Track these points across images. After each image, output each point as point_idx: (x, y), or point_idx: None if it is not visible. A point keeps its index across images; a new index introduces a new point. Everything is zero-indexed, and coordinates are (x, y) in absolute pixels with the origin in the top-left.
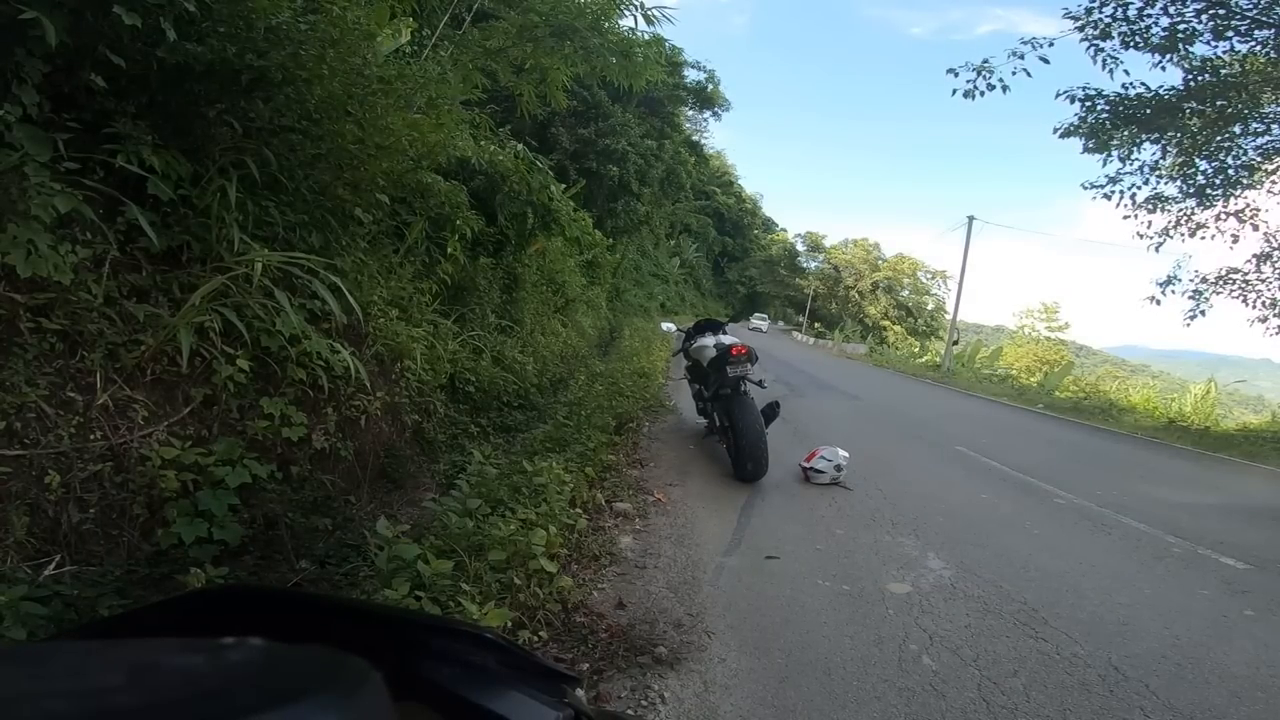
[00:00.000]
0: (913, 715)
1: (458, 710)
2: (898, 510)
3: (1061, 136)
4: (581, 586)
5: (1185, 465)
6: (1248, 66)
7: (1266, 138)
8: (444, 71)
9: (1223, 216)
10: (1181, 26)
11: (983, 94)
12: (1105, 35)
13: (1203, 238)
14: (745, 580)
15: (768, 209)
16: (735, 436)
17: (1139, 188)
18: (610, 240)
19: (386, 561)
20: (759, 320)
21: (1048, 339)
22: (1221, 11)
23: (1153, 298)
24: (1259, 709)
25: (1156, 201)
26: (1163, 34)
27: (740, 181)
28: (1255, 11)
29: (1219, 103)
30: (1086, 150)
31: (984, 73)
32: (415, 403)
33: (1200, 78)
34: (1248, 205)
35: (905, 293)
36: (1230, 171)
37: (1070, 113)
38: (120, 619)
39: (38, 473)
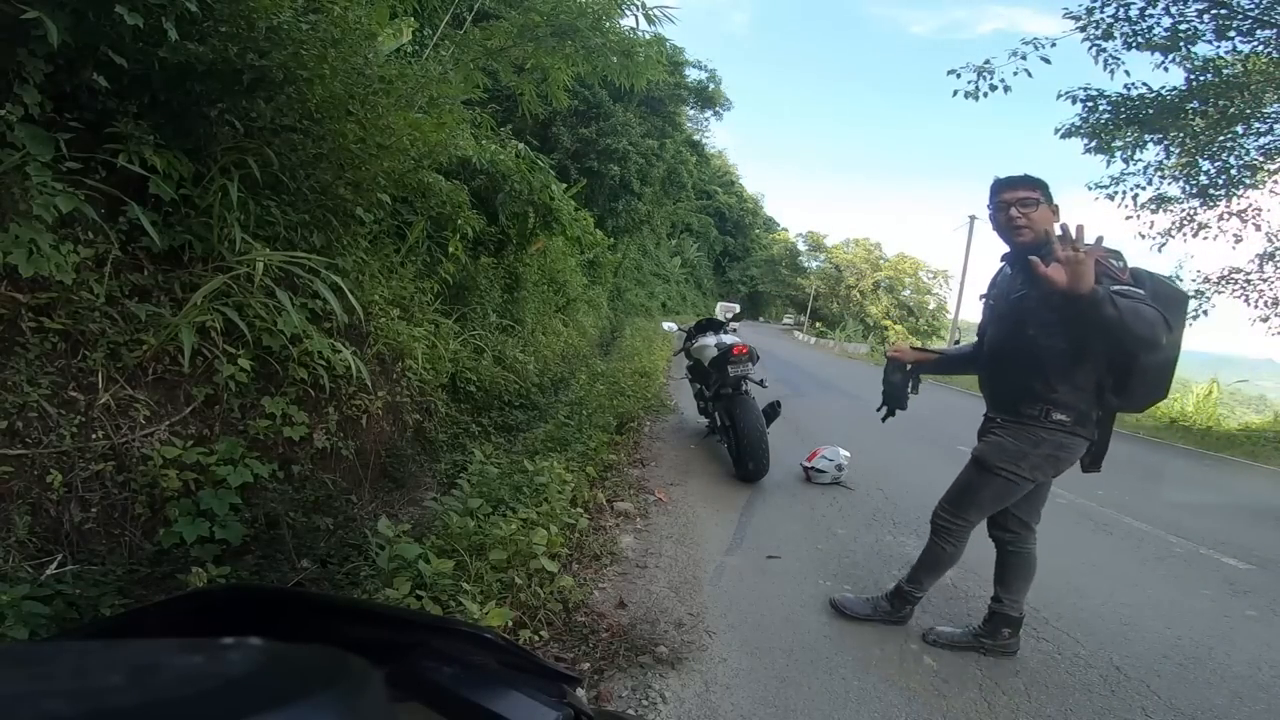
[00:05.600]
0: (914, 715)
1: (458, 710)
2: (899, 510)
3: (1063, 137)
4: (582, 586)
5: (1187, 465)
6: (1250, 66)
7: (1269, 138)
8: (445, 71)
9: (1226, 216)
10: (1183, 26)
11: (985, 95)
12: (1107, 35)
13: (1206, 238)
14: (746, 580)
15: (769, 208)
16: (736, 436)
17: (1142, 188)
18: (611, 240)
19: (388, 561)
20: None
21: None
22: (1223, 11)
23: None
24: (1261, 709)
25: (1160, 202)
26: (1164, 34)
27: (741, 181)
28: (1257, 11)
29: (1221, 103)
30: (1088, 151)
31: (985, 73)
32: (416, 402)
33: (1202, 78)
34: (1250, 205)
35: (907, 292)
36: (1233, 171)
37: (1071, 113)
38: (121, 618)
39: (40, 472)
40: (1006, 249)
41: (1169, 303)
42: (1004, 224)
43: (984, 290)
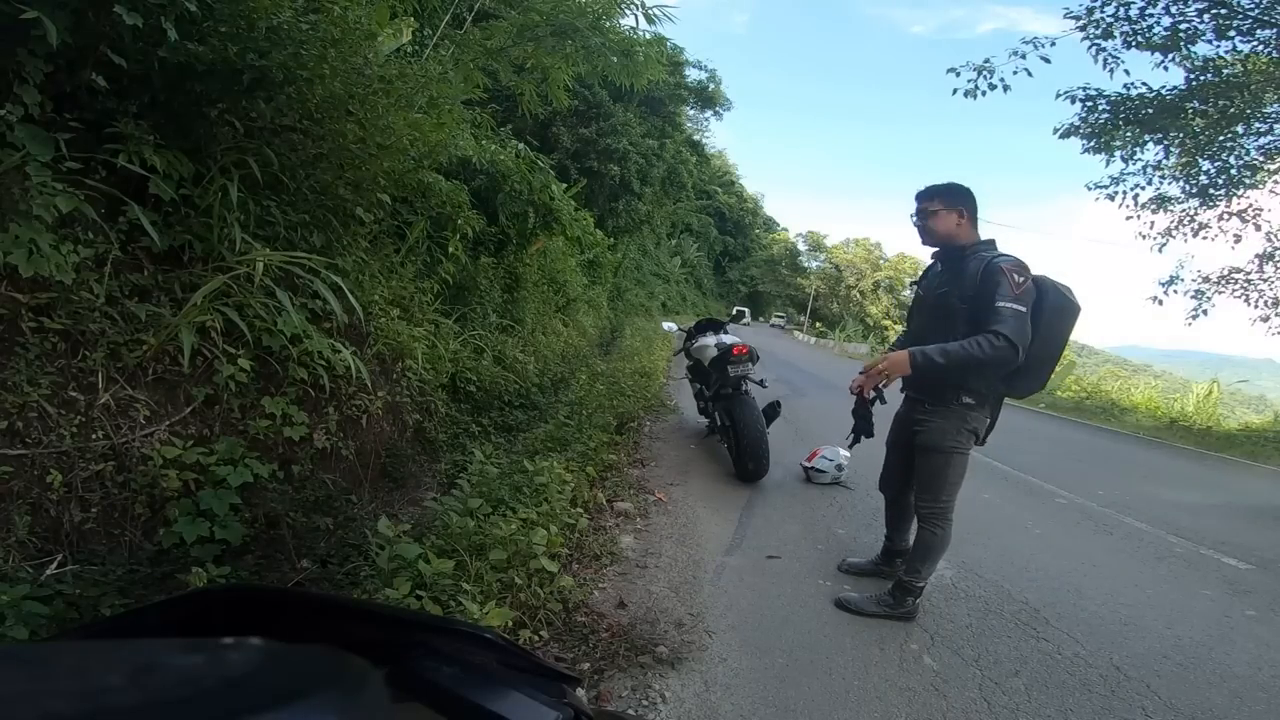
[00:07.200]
0: (914, 715)
1: (458, 710)
2: None
3: (1061, 137)
4: (582, 586)
5: (1187, 465)
6: (1250, 66)
7: (1269, 137)
8: (445, 71)
9: (1226, 216)
10: (1183, 26)
11: (984, 94)
12: (1107, 35)
13: (1206, 238)
14: (746, 580)
15: (769, 208)
16: (736, 436)
17: (1142, 188)
18: (611, 240)
19: (388, 561)
20: None
21: None
22: (1223, 11)
23: (1155, 297)
24: (1260, 709)
25: (1160, 202)
26: (1164, 33)
27: (741, 181)
28: (1257, 11)
29: (1221, 103)
30: (1087, 150)
31: (985, 72)
32: (416, 402)
33: (1202, 78)
34: (1250, 205)
35: (907, 292)
36: (1233, 171)
37: (1071, 112)
38: (122, 618)
39: (40, 472)
40: (938, 248)
41: (1059, 311)
42: (919, 228)
43: (915, 279)
